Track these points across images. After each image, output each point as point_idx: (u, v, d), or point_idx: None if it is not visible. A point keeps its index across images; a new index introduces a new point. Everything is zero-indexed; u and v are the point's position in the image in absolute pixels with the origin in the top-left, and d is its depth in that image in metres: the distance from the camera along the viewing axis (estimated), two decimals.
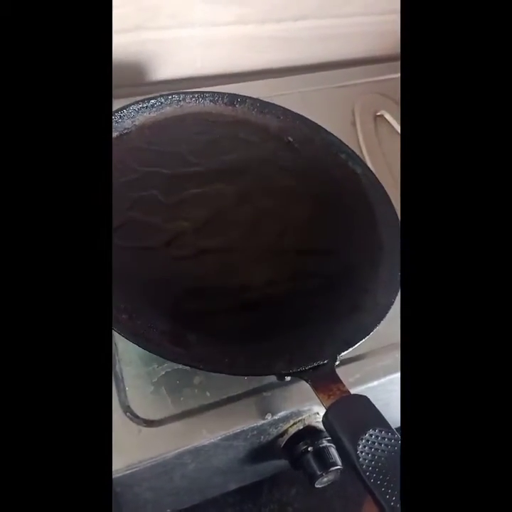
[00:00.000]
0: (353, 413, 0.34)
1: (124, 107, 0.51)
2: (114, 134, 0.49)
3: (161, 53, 0.60)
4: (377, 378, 0.44)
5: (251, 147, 0.53)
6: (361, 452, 0.32)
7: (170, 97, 0.53)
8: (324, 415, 0.36)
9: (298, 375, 0.38)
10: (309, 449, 0.41)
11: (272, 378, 0.42)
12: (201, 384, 0.43)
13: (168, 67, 0.59)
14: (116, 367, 0.42)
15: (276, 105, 0.56)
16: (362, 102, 0.65)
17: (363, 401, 0.35)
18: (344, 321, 0.41)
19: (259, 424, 0.41)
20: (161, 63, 0.60)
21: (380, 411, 0.43)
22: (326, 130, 0.54)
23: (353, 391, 0.42)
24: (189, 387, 0.42)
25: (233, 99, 0.55)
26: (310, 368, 0.38)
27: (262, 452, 0.46)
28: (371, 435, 0.33)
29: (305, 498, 0.59)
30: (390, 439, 0.33)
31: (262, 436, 0.44)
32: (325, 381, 0.37)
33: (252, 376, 0.41)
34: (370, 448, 0.32)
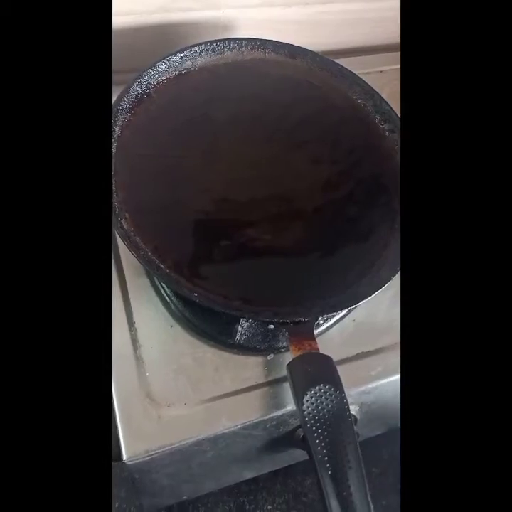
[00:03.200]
0: (312, 367, 0.36)
1: (186, 48, 0.49)
2: (174, 73, 0.48)
3: (185, 35, 0.59)
4: (399, 372, 0.43)
5: (297, 105, 0.51)
6: (307, 401, 0.34)
7: (232, 42, 0.51)
8: (288, 364, 0.37)
9: (279, 325, 0.40)
10: None
11: None
12: (221, 372, 0.41)
13: None
14: (137, 352, 0.40)
15: (336, 63, 0.53)
16: (389, 89, 0.63)
17: (325, 359, 0.37)
18: (337, 287, 0.41)
19: (278, 415, 0.40)
20: (185, 45, 0.59)
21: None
22: (380, 97, 0.52)
23: (374, 384, 0.42)
24: (209, 374, 0.40)
25: (295, 51, 0.53)
26: (291, 322, 0.38)
27: (280, 442, 0.43)
28: (320, 389, 0.35)
29: None
30: (335, 396, 0.35)
31: (281, 427, 0.41)
32: (300, 336, 0.38)
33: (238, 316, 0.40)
34: (316, 400, 0.35)
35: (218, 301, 0.38)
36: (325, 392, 0.35)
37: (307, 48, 0.65)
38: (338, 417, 0.34)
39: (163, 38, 0.56)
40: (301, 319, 0.38)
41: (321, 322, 0.43)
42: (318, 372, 0.36)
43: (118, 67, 0.56)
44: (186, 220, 0.42)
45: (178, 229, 0.41)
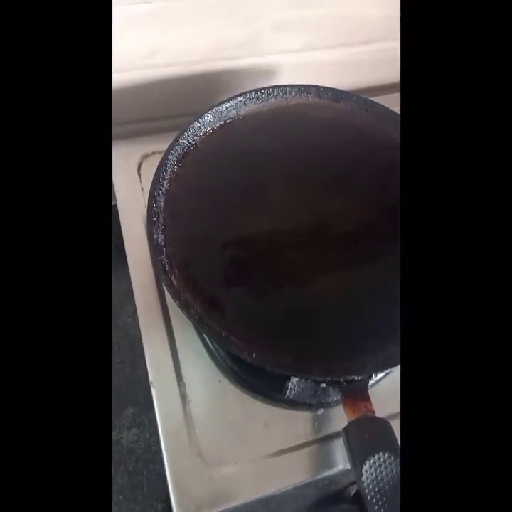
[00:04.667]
0: (370, 433, 0.34)
1: (231, 98, 0.49)
2: (219, 123, 0.49)
3: (229, 82, 0.57)
4: None
5: (342, 148, 0.51)
6: (366, 471, 0.33)
7: (276, 89, 0.52)
8: (344, 428, 0.36)
9: (331, 385, 0.38)
10: None
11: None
12: (272, 428, 0.40)
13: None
14: (187, 408, 0.39)
15: (380, 105, 0.52)
16: None
17: (383, 424, 0.35)
18: (389, 342, 0.38)
19: (331, 474, 0.38)
20: (229, 92, 0.59)
21: None
22: None
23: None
24: (259, 430, 0.39)
25: (338, 95, 0.53)
26: (345, 381, 0.36)
27: (331, 499, 0.42)
28: (379, 458, 0.33)
29: None
30: (395, 465, 0.33)
31: (333, 485, 0.40)
32: (354, 397, 0.36)
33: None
34: (376, 470, 0.33)
35: (269, 359, 0.37)
36: (384, 461, 0.33)
37: (348, 86, 0.64)
38: (398, 486, 0.33)
39: (208, 86, 0.57)
40: (355, 377, 0.37)
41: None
42: (376, 439, 0.34)
43: (164, 113, 0.57)
44: (235, 274, 0.41)
45: (227, 282, 0.41)
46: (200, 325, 0.37)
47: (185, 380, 0.41)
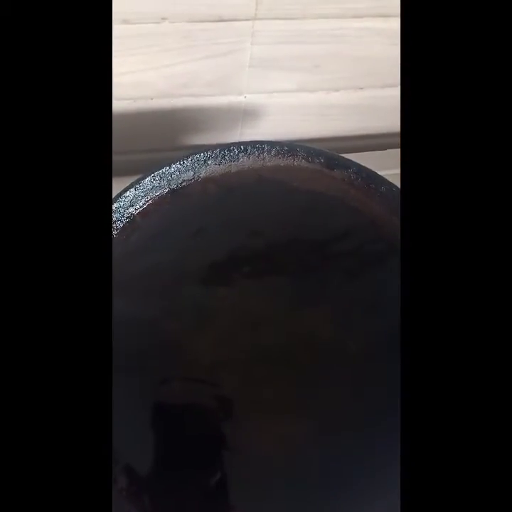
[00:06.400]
0: None
1: (187, 156, 0.37)
2: (167, 189, 0.36)
3: (199, 121, 0.44)
4: None
5: (327, 238, 0.39)
6: None
7: (249, 146, 0.38)
8: None
9: None
10: None
11: None
12: None
13: (208, 134, 0.47)
14: None
15: (386, 181, 0.40)
16: None
17: None
18: None
19: None
20: (198, 131, 0.47)
21: None
22: None
23: None
24: None
25: (334, 161, 0.39)
26: None
27: None
28: None
29: None
30: None
31: None
32: None
33: None
34: None
35: None
36: None
37: (357, 131, 0.52)
38: None
39: (170, 123, 0.45)
40: None
41: None
42: None
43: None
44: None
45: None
46: None
47: None
